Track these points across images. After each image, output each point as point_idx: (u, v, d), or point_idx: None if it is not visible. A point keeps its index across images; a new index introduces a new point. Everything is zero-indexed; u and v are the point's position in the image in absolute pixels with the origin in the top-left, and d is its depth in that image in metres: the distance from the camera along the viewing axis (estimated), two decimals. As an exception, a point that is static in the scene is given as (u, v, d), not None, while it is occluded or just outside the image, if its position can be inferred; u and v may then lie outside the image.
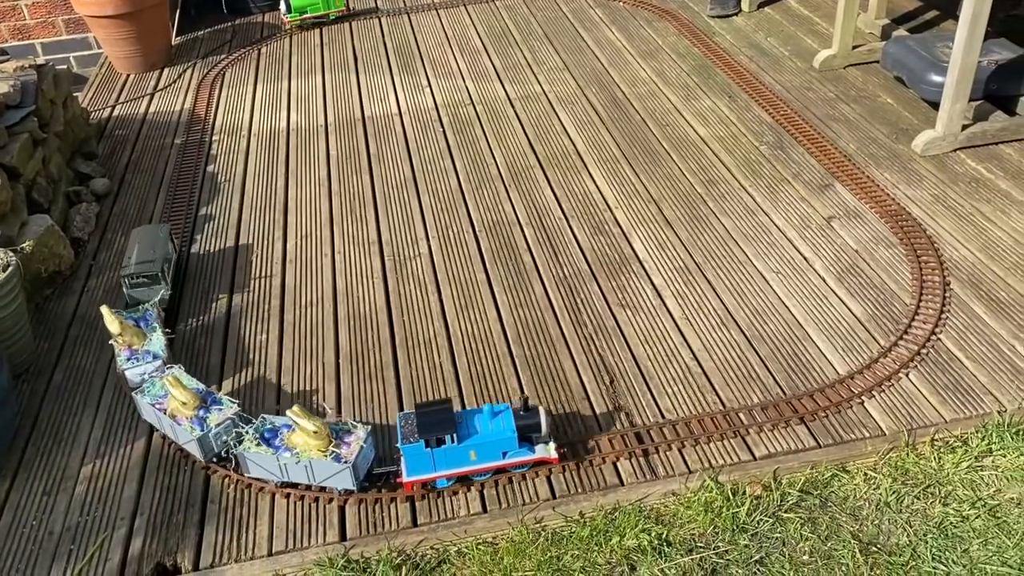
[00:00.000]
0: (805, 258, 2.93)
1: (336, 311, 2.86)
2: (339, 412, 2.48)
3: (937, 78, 3.49)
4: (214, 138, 4.01)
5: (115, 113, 4.32)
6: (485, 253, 3.08)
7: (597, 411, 2.40)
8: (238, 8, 5.38)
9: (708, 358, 2.55)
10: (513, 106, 4.06)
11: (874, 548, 2.04)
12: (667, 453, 2.26)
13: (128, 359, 2.48)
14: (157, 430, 2.44)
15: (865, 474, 2.20)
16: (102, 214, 3.49)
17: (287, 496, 2.22)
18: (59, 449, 2.43)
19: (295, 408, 2.15)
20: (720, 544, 2.07)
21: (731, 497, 2.15)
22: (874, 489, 2.17)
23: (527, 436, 2.18)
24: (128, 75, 4.70)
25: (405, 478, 2.17)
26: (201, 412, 2.29)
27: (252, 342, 2.76)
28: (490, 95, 4.18)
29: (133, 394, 2.41)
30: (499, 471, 2.21)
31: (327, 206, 3.42)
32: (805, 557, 2.03)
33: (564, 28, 4.84)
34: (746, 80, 4.07)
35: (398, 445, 2.16)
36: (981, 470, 2.19)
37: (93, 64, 4.99)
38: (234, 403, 2.32)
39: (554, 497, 2.18)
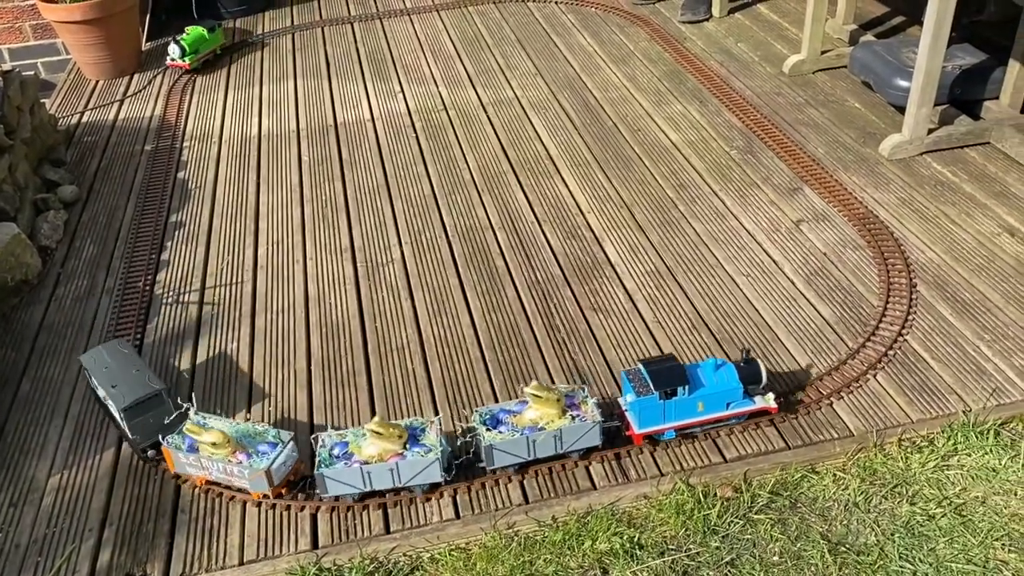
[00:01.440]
0: (774, 261, 2.96)
1: (308, 317, 2.85)
2: (311, 419, 2.47)
3: (903, 83, 3.55)
4: (185, 144, 3.98)
5: (84, 119, 4.28)
6: (458, 258, 3.08)
7: (569, 415, 2.41)
8: (209, 14, 5.34)
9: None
10: (486, 111, 4.07)
11: (843, 548, 2.06)
12: (639, 456, 2.27)
13: (255, 460, 2.18)
14: (353, 493, 2.17)
15: (834, 475, 2.23)
16: (70, 222, 3.45)
17: (258, 505, 2.21)
18: (26, 460, 2.40)
19: (534, 383, 2.20)
20: (692, 546, 2.08)
21: (702, 499, 2.16)
22: (843, 490, 2.19)
23: (746, 388, 2.30)
24: (97, 81, 4.66)
25: (636, 430, 2.25)
26: (410, 442, 2.17)
27: (223, 349, 2.74)
28: (463, 100, 4.18)
29: (316, 473, 2.14)
30: (718, 422, 2.30)
31: (299, 212, 3.41)
32: (775, 558, 2.05)
33: (536, 33, 4.86)
34: (716, 85, 4.11)
35: (626, 399, 2.28)
36: (947, 469, 2.22)
37: (61, 70, 4.94)
38: (428, 419, 2.25)
39: (527, 502, 2.18)
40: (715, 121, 3.83)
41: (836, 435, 2.30)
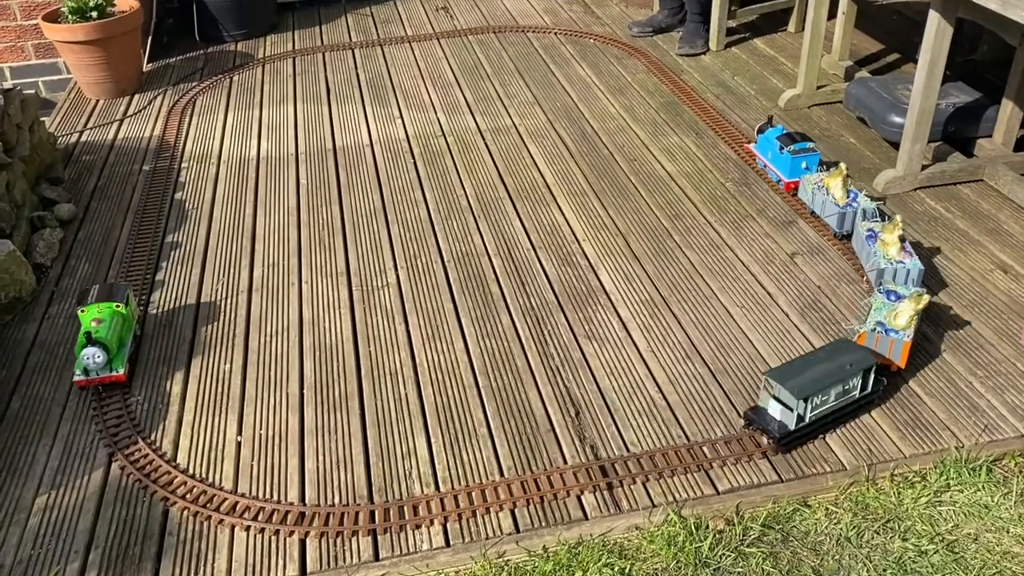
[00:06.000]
0: (769, 293, 2.96)
1: (302, 341, 2.84)
2: (302, 443, 2.46)
3: (897, 119, 3.58)
4: (183, 165, 3.99)
5: (83, 138, 4.29)
6: (453, 284, 3.08)
7: (562, 444, 2.40)
8: (211, 36, 5.39)
9: (673, 391, 2.56)
10: (484, 138, 4.09)
11: (835, 583, 2.05)
12: (631, 487, 2.26)
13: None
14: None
15: (826, 508, 2.22)
16: (66, 240, 3.45)
17: (247, 529, 2.19)
18: (13, 480, 2.38)
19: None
20: (683, 579, 2.07)
21: (694, 531, 2.15)
22: (835, 524, 2.18)
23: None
24: (97, 101, 4.68)
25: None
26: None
27: (215, 371, 2.73)
28: (461, 127, 4.21)
29: None
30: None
31: (295, 235, 3.42)
32: (767, 592, 2.04)
33: (535, 63, 4.90)
34: (712, 118, 4.14)
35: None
36: (939, 505, 2.22)
37: (62, 89, 4.96)
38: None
39: (517, 531, 2.17)
40: (711, 153, 3.86)
41: (829, 468, 2.30)
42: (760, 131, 3.63)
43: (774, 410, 2.32)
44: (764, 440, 2.34)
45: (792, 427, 2.29)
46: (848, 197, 3.15)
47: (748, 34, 5.14)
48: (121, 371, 2.63)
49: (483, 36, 5.33)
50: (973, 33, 4.43)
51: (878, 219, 3.06)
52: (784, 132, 3.48)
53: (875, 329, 2.52)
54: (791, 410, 2.28)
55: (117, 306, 2.71)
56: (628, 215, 3.44)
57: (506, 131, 4.15)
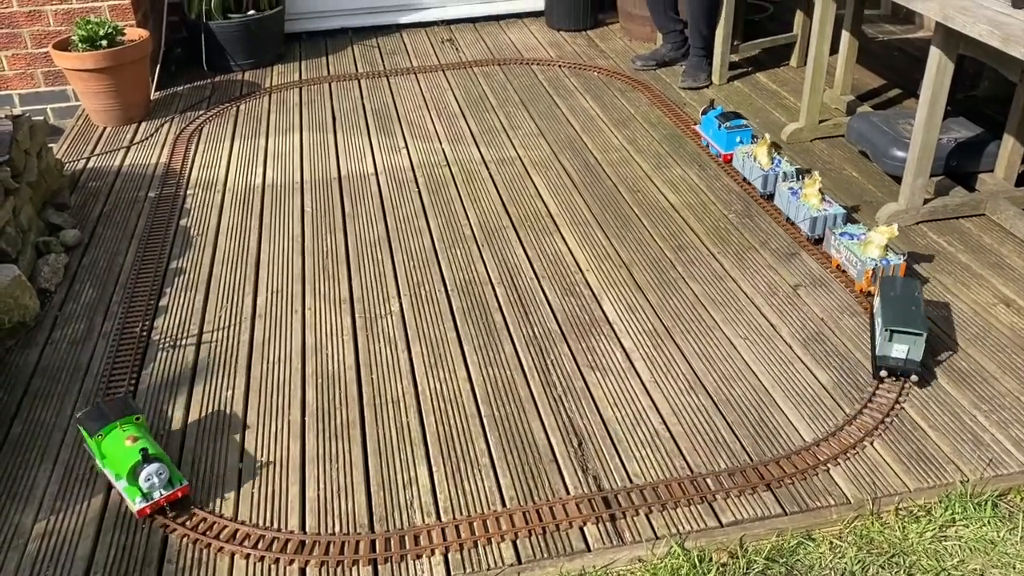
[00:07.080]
0: (772, 325, 2.97)
1: (304, 368, 2.84)
2: (303, 471, 2.44)
3: (899, 153, 3.61)
4: (188, 192, 4.02)
5: (90, 165, 4.32)
6: (456, 312, 3.09)
7: (565, 474, 2.39)
8: (218, 66, 5.45)
9: (676, 422, 2.56)
10: (488, 168, 4.12)
11: (840, 618, 2.03)
12: (634, 518, 2.25)
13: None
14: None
15: (831, 542, 2.20)
16: (71, 265, 3.46)
17: (246, 557, 2.17)
18: (12, 504, 2.37)
19: None
20: (686, 612, 2.05)
21: (697, 564, 2.13)
22: (839, 558, 2.16)
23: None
24: (105, 128, 4.72)
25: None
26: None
27: (217, 397, 2.73)
28: (466, 157, 4.24)
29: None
30: None
31: (299, 263, 3.43)
32: (771, 627, 2.02)
33: (540, 95, 4.95)
34: (716, 150, 4.17)
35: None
36: (945, 540, 2.20)
37: (70, 116, 5.01)
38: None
39: (519, 562, 2.15)
40: (714, 185, 3.88)
41: (833, 502, 2.28)
42: (704, 113, 4.20)
43: (900, 351, 2.62)
44: (913, 378, 2.64)
45: (920, 358, 2.61)
46: (772, 163, 3.68)
47: (751, 68, 5.19)
48: (185, 482, 2.34)
49: (488, 68, 5.39)
50: (974, 69, 4.47)
51: (795, 179, 3.59)
52: (722, 112, 4.06)
53: (877, 262, 3.01)
54: (917, 345, 2.60)
55: (137, 419, 2.40)
56: (631, 246, 3.45)
57: (510, 162, 4.18)
